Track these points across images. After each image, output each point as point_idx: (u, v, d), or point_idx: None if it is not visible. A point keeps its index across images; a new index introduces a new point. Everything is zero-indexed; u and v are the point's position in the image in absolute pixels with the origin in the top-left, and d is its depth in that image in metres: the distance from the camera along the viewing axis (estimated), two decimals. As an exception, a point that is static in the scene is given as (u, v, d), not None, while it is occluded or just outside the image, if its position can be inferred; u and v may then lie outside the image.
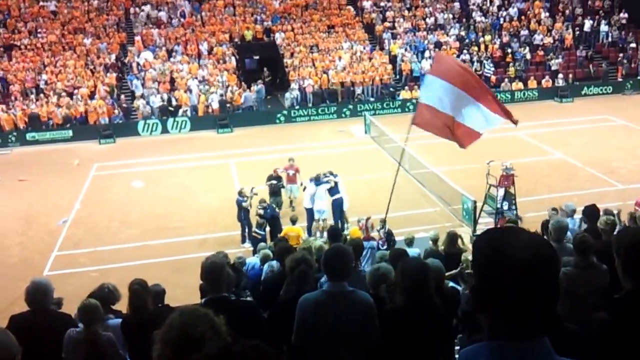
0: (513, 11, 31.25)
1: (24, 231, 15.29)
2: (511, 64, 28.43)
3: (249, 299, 6.61)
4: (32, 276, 5.00)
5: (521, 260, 1.46)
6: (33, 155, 22.33)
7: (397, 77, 28.09)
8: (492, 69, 27.99)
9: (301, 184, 14.94)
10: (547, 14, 31.16)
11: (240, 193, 13.46)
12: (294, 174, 15.21)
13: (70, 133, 23.85)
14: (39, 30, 27.71)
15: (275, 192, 14.70)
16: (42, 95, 24.90)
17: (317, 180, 13.80)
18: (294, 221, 12.41)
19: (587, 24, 30.59)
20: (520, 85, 27.82)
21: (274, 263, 7.34)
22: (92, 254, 13.60)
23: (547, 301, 1.52)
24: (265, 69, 28.32)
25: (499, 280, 1.48)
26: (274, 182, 14.74)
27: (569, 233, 6.24)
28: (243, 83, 26.56)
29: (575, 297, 4.24)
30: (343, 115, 25.79)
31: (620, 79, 28.97)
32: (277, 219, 13.16)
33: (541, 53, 29.22)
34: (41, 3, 28.99)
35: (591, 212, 6.66)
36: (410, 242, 9.52)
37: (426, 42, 29.14)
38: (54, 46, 27.05)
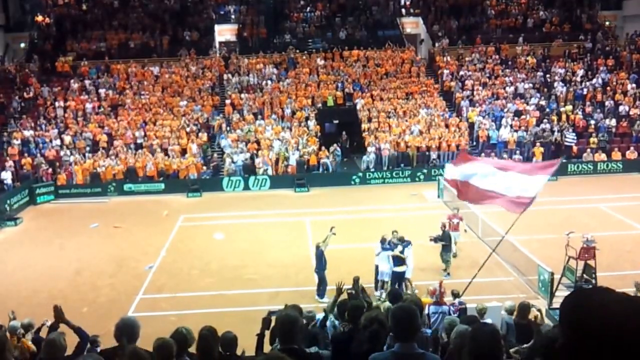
0: (597, 82, 30.80)
1: (115, 273, 16.40)
2: (594, 135, 27.79)
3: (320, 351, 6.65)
4: (118, 316, 5.31)
5: (617, 321, 1.42)
6: (128, 204, 24.00)
7: (474, 143, 28.23)
8: (575, 139, 27.46)
9: (465, 231, 16.97)
10: (634, 85, 30.42)
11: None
12: (458, 223, 16.33)
13: (162, 186, 25.60)
14: (142, 92, 30.62)
15: (445, 245, 15.16)
16: (140, 150, 27.21)
17: (383, 243, 13.87)
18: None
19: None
20: (604, 156, 27.00)
21: (336, 321, 7.21)
22: (172, 299, 14.38)
23: None
24: (343, 132, 29.47)
25: (592, 340, 1.43)
26: (438, 237, 15.11)
27: None
28: (322, 145, 27.76)
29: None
30: (417, 179, 26.12)
31: None
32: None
33: (625, 124, 28.37)
34: (146, 68, 32.30)
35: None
36: (482, 313, 9.07)
37: (505, 110, 29.23)
38: (154, 106, 29.80)
